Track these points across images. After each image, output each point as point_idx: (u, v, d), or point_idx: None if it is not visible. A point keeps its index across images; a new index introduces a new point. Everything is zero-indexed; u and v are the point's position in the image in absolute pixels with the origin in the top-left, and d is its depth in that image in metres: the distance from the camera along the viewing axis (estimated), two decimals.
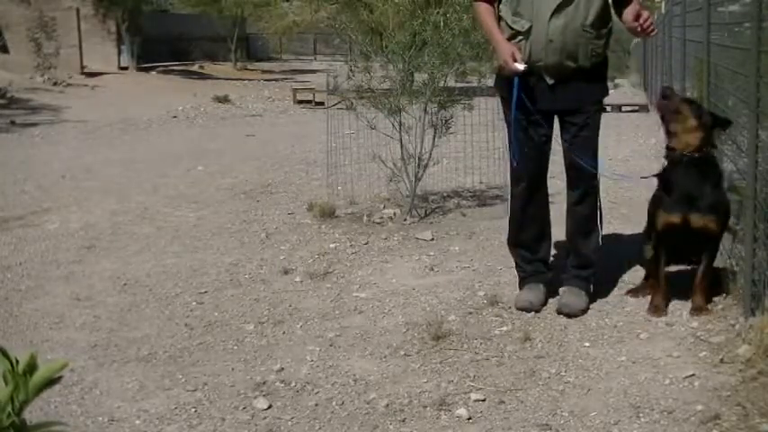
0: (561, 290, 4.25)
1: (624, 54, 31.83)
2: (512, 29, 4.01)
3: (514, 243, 4.35)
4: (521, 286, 4.30)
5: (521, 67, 3.89)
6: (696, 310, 3.97)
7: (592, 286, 4.28)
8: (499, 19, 4.09)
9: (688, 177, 3.94)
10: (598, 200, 4.23)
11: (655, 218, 4.11)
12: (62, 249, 5.66)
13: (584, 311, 4.11)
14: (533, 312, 4.11)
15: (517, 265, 4.36)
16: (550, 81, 4.04)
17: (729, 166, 4.96)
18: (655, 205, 4.13)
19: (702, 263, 4.02)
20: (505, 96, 4.16)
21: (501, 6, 4.08)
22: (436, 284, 4.64)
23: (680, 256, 4.17)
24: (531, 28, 3.96)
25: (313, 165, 8.62)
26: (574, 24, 3.95)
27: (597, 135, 4.19)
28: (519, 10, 3.99)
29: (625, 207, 6.35)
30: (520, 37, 3.99)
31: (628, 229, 5.49)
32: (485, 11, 4.12)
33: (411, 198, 6.23)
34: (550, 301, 4.24)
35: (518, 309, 4.16)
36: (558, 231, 4.42)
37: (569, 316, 4.05)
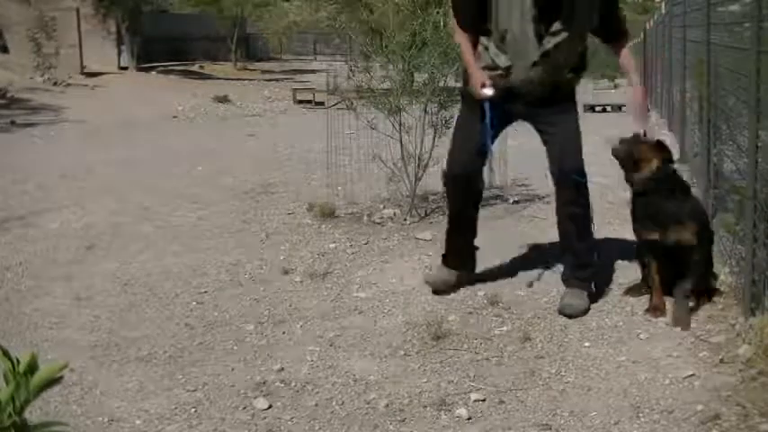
0: (563, 291, 4.25)
1: None
2: (493, 61, 4.16)
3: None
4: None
5: (489, 92, 4.11)
6: (675, 321, 3.89)
7: (594, 285, 4.29)
8: (481, 46, 4.23)
9: (652, 203, 4.03)
10: (587, 199, 4.25)
11: (635, 231, 4.20)
12: (62, 249, 5.66)
13: (586, 312, 4.12)
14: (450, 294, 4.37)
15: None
16: (523, 108, 4.22)
17: (729, 166, 4.96)
18: (633, 220, 4.20)
19: (687, 273, 3.98)
20: (471, 105, 4.32)
21: (482, 38, 4.21)
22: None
23: (669, 262, 4.16)
24: (511, 67, 4.12)
25: (313, 165, 8.61)
26: (557, 66, 4.10)
27: (579, 137, 4.24)
28: (502, 47, 4.13)
29: (624, 207, 6.34)
30: (500, 71, 4.15)
31: (627, 230, 5.49)
32: (463, 39, 4.29)
33: (411, 198, 6.23)
34: (552, 301, 4.24)
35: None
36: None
37: (571, 317, 4.05)
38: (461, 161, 4.37)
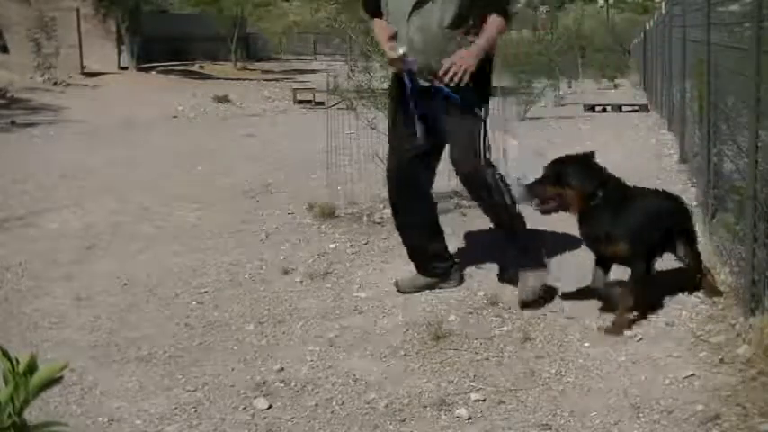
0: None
1: (624, 54, 31.88)
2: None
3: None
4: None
5: (400, 50, 4.09)
6: (609, 328, 3.85)
7: (542, 257, 4.28)
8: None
9: (585, 224, 3.99)
10: (490, 191, 4.21)
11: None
12: (62, 249, 5.66)
13: (543, 289, 4.16)
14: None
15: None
16: (425, 83, 4.16)
17: (729, 166, 4.97)
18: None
19: (628, 282, 3.98)
20: (394, 97, 4.37)
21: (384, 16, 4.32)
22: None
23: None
24: (397, 32, 4.16)
25: (313, 165, 8.61)
26: (430, 24, 4.09)
27: (477, 139, 4.20)
28: (389, 14, 4.23)
29: None
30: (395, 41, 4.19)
31: None
32: (376, 22, 4.38)
33: None
34: (553, 301, 4.24)
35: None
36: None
37: (527, 303, 4.10)
38: (393, 158, 4.42)
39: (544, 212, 4.04)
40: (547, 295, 4.19)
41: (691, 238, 4.19)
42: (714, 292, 4.17)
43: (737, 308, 3.93)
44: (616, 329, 3.81)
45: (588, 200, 3.90)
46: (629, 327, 3.85)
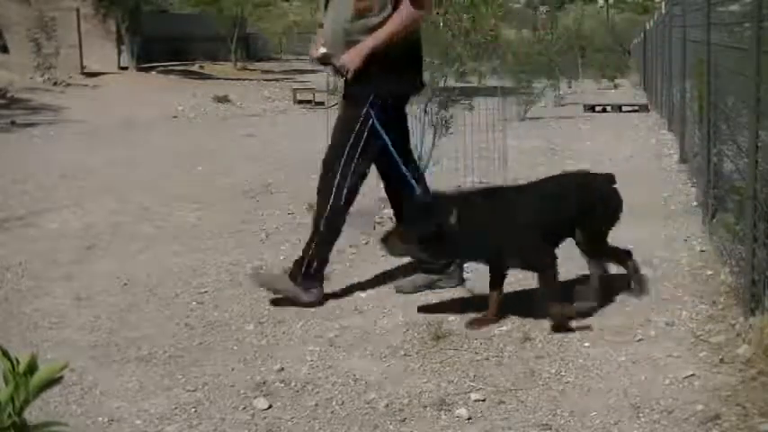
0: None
1: (624, 54, 31.89)
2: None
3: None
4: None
5: (321, 50, 4.17)
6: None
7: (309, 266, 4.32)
8: None
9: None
10: (336, 191, 4.25)
11: None
12: (62, 249, 5.66)
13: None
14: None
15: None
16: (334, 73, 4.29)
17: (729, 166, 4.97)
18: None
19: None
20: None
21: None
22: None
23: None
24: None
25: (313, 165, 8.59)
26: (338, 17, 4.13)
27: (347, 137, 4.23)
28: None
29: (625, 207, 6.33)
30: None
31: (626, 229, 5.49)
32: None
33: None
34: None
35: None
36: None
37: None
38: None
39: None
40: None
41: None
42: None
43: (737, 308, 3.93)
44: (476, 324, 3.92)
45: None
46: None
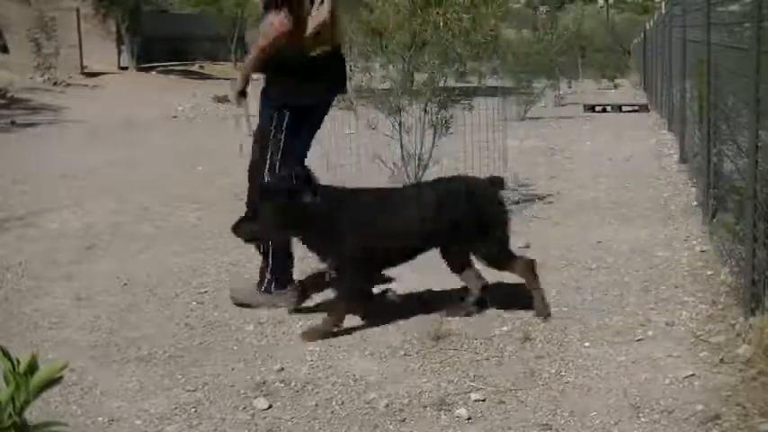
0: None
1: (624, 54, 31.88)
2: None
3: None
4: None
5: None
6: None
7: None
8: None
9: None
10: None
11: None
12: (62, 249, 5.66)
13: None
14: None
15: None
16: None
17: (729, 166, 4.97)
18: None
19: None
20: None
21: None
22: (436, 284, 4.63)
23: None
24: None
25: (313, 164, 8.60)
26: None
27: (265, 152, 4.43)
28: None
29: (625, 207, 6.35)
30: None
31: (627, 230, 5.50)
32: None
33: None
34: (553, 301, 4.24)
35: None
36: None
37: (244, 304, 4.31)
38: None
39: None
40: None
41: None
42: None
43: (737, 308, 3.93)
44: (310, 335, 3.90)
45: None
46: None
